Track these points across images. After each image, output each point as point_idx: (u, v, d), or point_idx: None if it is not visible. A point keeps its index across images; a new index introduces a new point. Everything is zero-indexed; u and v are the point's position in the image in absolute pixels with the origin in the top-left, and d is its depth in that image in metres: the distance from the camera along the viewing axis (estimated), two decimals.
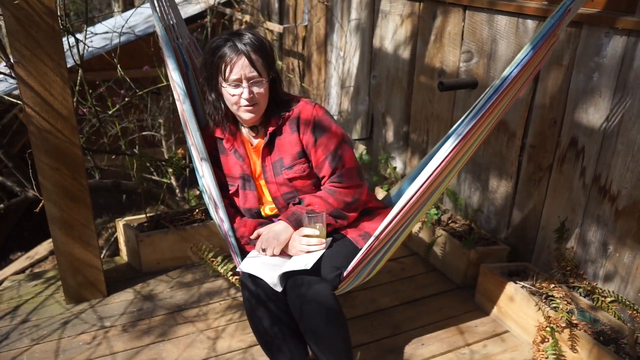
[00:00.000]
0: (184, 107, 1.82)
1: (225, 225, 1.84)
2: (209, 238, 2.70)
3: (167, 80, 3.37)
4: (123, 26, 2.92)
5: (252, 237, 1.84)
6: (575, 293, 2.15)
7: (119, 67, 2.88)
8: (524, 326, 2.17)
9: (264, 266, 1.73)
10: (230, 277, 2.53)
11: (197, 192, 4.27)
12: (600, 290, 2.11)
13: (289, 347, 1.75)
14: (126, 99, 3.19)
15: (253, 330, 1.82)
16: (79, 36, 2.72)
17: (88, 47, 2.73)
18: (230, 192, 1.88)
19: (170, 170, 3.04)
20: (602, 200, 2.09)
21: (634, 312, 1.98)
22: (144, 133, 3.79)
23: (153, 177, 3.54)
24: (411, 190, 1.62)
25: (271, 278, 1.69)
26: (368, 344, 2.19)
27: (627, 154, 1.96)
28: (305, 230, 1.75)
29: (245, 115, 1.74)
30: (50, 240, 4.89)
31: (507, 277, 2.26)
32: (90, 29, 3.12)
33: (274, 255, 1.77)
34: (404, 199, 1.63)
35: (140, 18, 4.94)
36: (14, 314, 2.33)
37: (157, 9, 1.90)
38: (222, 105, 1.78)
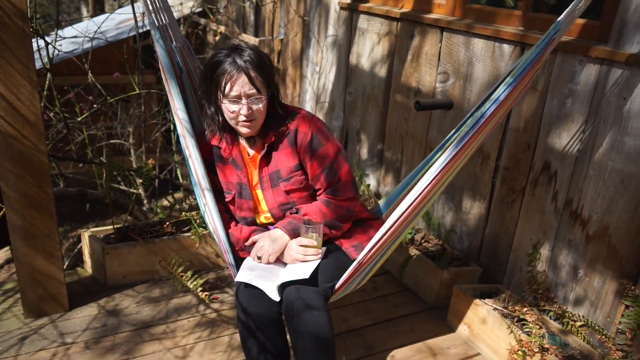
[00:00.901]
0: (178, 112, 1.82)
1: (220, 232, 1.83)
2: (178, 252, 2.62)
3: (139, 88, 3.31)
4: (96, 31, 2.84)
5: (247, 244, 1.84)
6: (545, 316, 2.17)
7: (90, 74, 2.80)
8: (495, 349, 2.18)
9: (261, 276, 1.73)
10: (200, 293, 2.48)
11: (165, 203, 4.17)
12: (570, 314, 2.13)
13: None
14: (95, 106, 3.10)
15: (245, 356, 1.84)
16: (48, 39, 2.64)
17: (59, 51, 2.64)
18: (227, 200, 1.88)
19: (139, 180, 2.95)
20: (573, 224, 2.12)
21: (603, 337, 2.01)
22: (112, 141, 3.69)
23: (120, 187, 3.43)
24: (399, 210, 1.66)
25: (268, 288, 1.69)
26: None
27: (599, 179, 2.00)
28: (303, 240, 1.77)
29: (243, 129, 1.75)
30: (6, 249, 4.71)
31: (480, 299, 2.27)
32: (59, 32, 3.02)
33: (268, 263, 1.78)
34: (392, 219, 1.67)
35: (112, 24, 4.84)
36: None
37: (150, 8, 1.89)
38: (220, 118, 1.79)
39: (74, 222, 5.14)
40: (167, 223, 2.69)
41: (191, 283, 2.50)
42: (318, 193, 1.87)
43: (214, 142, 1.85)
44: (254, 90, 1.68)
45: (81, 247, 3.05)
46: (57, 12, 2.76)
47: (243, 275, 1.74)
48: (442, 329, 2.40)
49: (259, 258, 1.79)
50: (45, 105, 2.75)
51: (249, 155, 1.86)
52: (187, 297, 2.52)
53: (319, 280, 1.73)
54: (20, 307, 2.32)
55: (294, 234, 1.79)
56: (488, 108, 1.64)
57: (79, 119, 2.91)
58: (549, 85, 2.14)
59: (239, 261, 1.86)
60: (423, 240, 2.74)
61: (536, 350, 1.95)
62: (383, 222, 1.87)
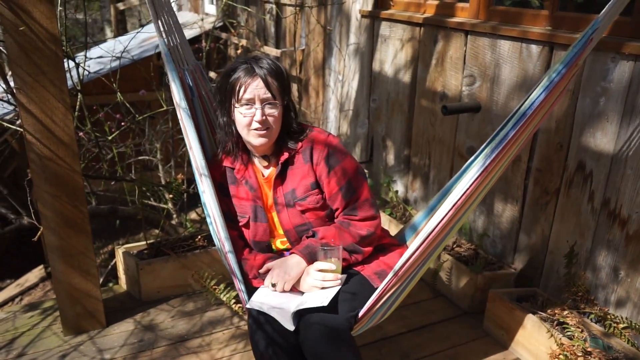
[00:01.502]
0: (189, 135, 1.74)
1: (231, 258, 1.72)
2: (210, 265, 2.64)
3: (166, 105, 3.35)
4: (123, 50, 2.90)
5: (261, 271, 1.73)
6: (586, 319, 2.12)
7: (119, 92, 2.85)
8: (535, 353, 2.13)
9: (275, 304, 1.60)
10: (233, 305, 2.49)
11: (193, 216, 4.21)
12: (612, 316, 2.08)
13: None
14: (124, 124, 3.15)
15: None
16: (77, 60, 2.70)
17: (89, 72, 2.70)
18: (241, 224, 1.79)
19: (170, 196, 2.98)
20: (612, 224, 2.08)
21: None
22: (141, 158, 3.75)
23: (150, 202, 3.48)
24: (429, 226, 1.55)
25: (282, 316, 1.56)
26: None
27: (637, 178, 1.96)
28: (321, 264, 1.64)
29: (256, 140, 1.66)
30: (41, 267, 4.81)
31: (517, 303, 2.23)
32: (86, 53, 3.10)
33: (284, 291, 1.65)
34: (422, 235, 1.56)
35: (135, 42, 4.92)
36: (10, 348, 2.25)
37: (162, 29, 1.82)
38: (234, 131, 1.71)
39: (104, 239, 5.23)
40: (199, 237, 2.71)
41: (224, 296, 2.51)
42: (336, 214, 1.76)
43: (227, 163, 1.78)
44: (269, 95, 1.62)
45: (114, 263, 3.10)
46: (85, 33, 2.82)
47: (255, 302, 1.62)
48: (478, 334, 2.36)
49: (274, 285, 1.66)
50: (76, 125, 2.81)
51: (263, 176, 1.77)
52: (220, 309, 2.54)
53: (340, 309, 1.58)
54: (59, 325, 2.36)
55: (311, 259, 1.66)
56: (523, 114, 1.53)
57: (110, 138, 2.97)
58: (580, 84, 2.10)
59: (250, 289, 1.74)
60: (455, 245, 2.71)
61: (579, 354, 1.91)
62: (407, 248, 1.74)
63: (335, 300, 1.58)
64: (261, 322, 1.62)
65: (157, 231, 3.37)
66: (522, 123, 1.54)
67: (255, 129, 1.64)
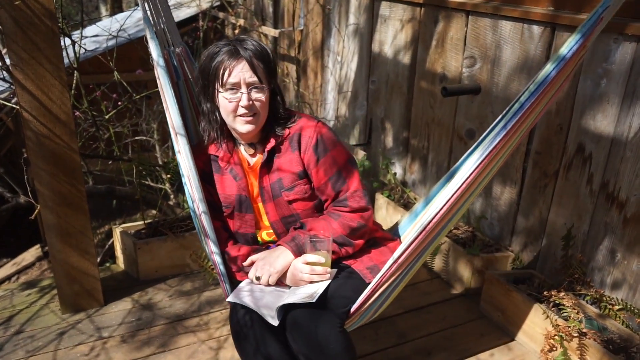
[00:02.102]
0: (173, 120, 1.62)
1: (205, 220, 1.62)
2: None
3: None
4: (119, 29, 2.86)
5: (246, 264, 1.64)
6: (582, 301, 2.14)
7: (116, 71, 2.82)
8: (530, 334, 2.15)
9: (258, 297, 1.53)
10: None
11: None
12: (608, 298, 2.10)
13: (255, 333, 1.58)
14: (121, 104, 3.13)
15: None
16: (74, 39, 2.66)
17: (85, 49, 2.67)
18: (225, 214, 1.70)
19: (167, 176, 2.97)
20: (610, 207, 2.08)
21: None
22: (137, 138, 3.72)
23: (147, 183, 3.47)
24: (427, 217, 1.50)
25: (267, 309, 1.48)
26: (373, 353, 2.15)
27: (636, 161, 1.95)
28: (309, 257, 1.54)
29: (242, 127, 1.57)
30: (37, 246, 4.81)
31: (513, 285, 2.24)
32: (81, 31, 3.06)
33: (269, 285, 1.57)
34: (419, 227, 1.50)
35: (130, 21, 4.87)
36: (8, 325, 2.26)
37: (148, 11, 1.72)
38: (218, 118, 1.62)
39: (101, 219, 5.22)
40: None
41: None
42: (325, 205, 1.69)
43: (212, 150, 1.70)
44: (255, 79, 1.53)
45: (112, 243, 3.09)
46: (81, 11, 2.78)
47: (236, 296, 1.55)
48: (475, 315, 2.38)
49: (258, 279, 1.57)
50: (73, 104, 2.78)
51: (249, 164, 1.69)
52: (218, 289, 2.54)
53: (330, 305, 1.50)
54: (57, 303, 2.36)
55: (299, 251, 1.57)
56: (527, 98, 1.47)
57: (107, 117, 2.94)
58: (582, 66, 2.09)
59: (233, 281, 1.68)
60: (453, 228, 2.71)
61: (574, 334, 1.93)
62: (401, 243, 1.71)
63: (324, 295, 1.50)
64: (247, 325, 1.55)
65: (154, 212, 3.37)
66: (532, 101, 1.47)
67: (241, 115, 1.56)
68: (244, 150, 1.70)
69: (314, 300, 1.45)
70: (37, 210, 2.21)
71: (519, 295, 2.18)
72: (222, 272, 1.67)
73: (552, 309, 2.08)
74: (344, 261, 1.66)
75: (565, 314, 2.02)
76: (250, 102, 1.54)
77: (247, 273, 1.63)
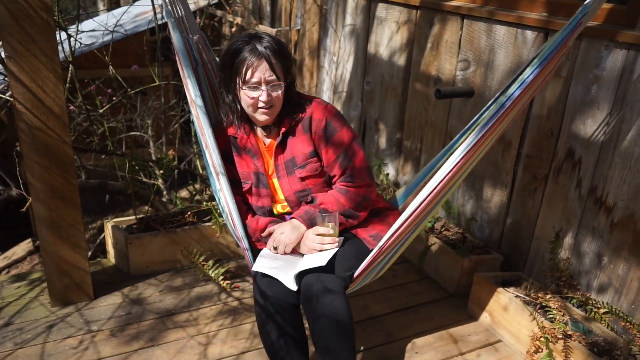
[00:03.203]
0: (195, 99, 1.82)
1: (235, 218, 1.83)
2: (199, 241, 2.65)
3: (158, 80, 3.33)
4: (115, 24, 2.86)
5: (264, 234, 1.85)
6: (568, 304, 2.16)
7: (111, 66, 2.82)
8: (517, 336, 2.17)
9: (278, 266, 1.74)
10: (222, 282, 2.51)
11: (184, 195, 4.20)
12: (594, 302, 2.12)
13: (292, 358, 1.79)
14: (115, 99, 3.13)
15: (262, 341, 1.84)
16: (70, 32, 2.66)
17: (81, 43, 2.67)
18: (244, 189, 1.90)
19: (160, 171, 2.98)
20: (597, 211, 2.10)
21: (627, 323, 2.00)
22: (132, 133, 3.72)
23: (140, 178, 3.47)
24: (419, 198, 1.66)
25: (285, 279, 1.70)
26: (361, 351, 2.17)
27: (624, 167, 1.98)
28: (319, 229, 1.77)
29: (261, 117, 1.76)
30: (29, 240, 4.79)
31: (501, 286, 2.26)
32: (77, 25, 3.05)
33: (285, 253, 1.79)
34: (412, 207, 1.66)
35: (129, 17, 4.87)
36: None
37: (167, 1, 1.90)
38: (238, 107, 1.80)
39: (94, 214, 5.21)
40: (189, 213, 2.72)
41: (212, 272, 2.53)
42: (333, 180, 1.87)
43: (231, 132, 1.87)
44: (274, 77, 1.70)
45: (103, 237, 3.09)
46: (78, 5, 2.78)
47: (260, 265, 1.75)
48: (463, 316, 2.40)
49: (276, 248, 1.80)
50: (67, 98, 2.79)
51: (264, 144, 1.88)
52: (208, 285, 2.55)
53: (337, 269, 1.73)
54: (46, 296, 2.36)
55: (311, 223, 1.79)
56: (513, 92, 1.62)
57: (100, 111, 2.94)
58: (573, 72, 2.11)
59: (255, 252, 1.88)
60: (443, 229, 2.73)
61: (559, 336, 1.95)
62: (400, 213, 1.88)
63: (332, 261, 1.72)
64: (271, 312, 1.72)
65: (147, 208, 3.37)
66: (509, 104, 1.61)
67: (261, 108, 1.74)
68: (260, 132, 1.88)
69: (324, 264, 1.67)
70: (28, 203, 2.21)
71: (506, 296, 2.20)
72: (245, 244, 1.86)
73: (539, 311, 2.11)
74: (350, 230, 1.87)
75: (551, 316, 2.04)
76: (269, 98, 1.72)
77: (265, 242, 1.85)
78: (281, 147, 1.84)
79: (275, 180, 1.88)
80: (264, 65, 1.68)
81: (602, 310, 2.08)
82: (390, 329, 2.31)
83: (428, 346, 2.22)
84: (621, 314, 2.04)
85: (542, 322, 2.03)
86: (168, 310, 2.36)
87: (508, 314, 2.20)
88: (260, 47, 1.68)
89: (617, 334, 2.02)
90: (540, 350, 2.02)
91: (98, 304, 2.37)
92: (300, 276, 1.72)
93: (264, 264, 1.76)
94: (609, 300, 2.12)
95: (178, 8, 1.96)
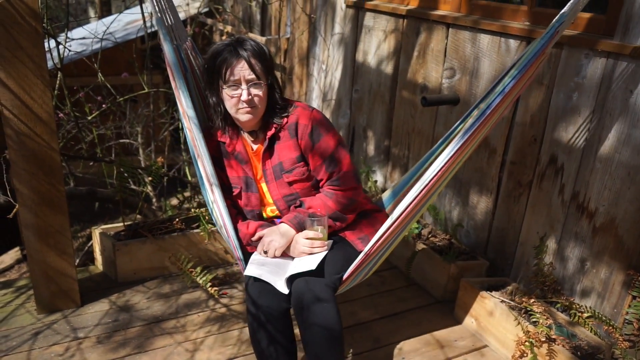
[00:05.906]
0: (186, 109, 1.84)
1: (229, 228, 1.86)
2: (188, 248, 2.65)
3: (148, 87, 3.34)
4: (105, 32, 2.88)
5: (254, 238, 1.87)
6: (553, 308, 2.18)
7: (100, 74, 2.83)
8: (502, 340, 2.19)
9: (269, 270, 1.77)
10: (209, 288, 2.51)
11: (173, 202, 4.20)
12: (577, 306, 2.15)
13: None
14: (105, 106, 3.14)
15: (253, 348, 1.86)
16: (59, 40, 2.68)
17: (70, 50, 2.68)
18: (234, 194, 1.93)
19: (149, 179, 2.98)
20: (580, 217, 2.14)
21: (610, 327, 2.02)
22: (121, 141, 3.73)
23: (129, 186, 3.47)
24: (404, 202, 1.69)
25: (277, 282, 1.72)
26: (349, 357, 2.18)
27: (605, 172, 2.02)
28: (309, 233, 1.80)
29: (243, 117, 1.78)
30: (17, 249, 4.75)
31: (487, 292, 2.28)
32: (67, 34, 3.06)
33: (275, 257, 1.81)
34: (399, 210, 1.70)
35: (119, 25, 4.89)
36: None
37: (157, 8, 1.92)
38: (222, 109, 1.83)
39: (83, 222, 5.18)
40: (177, 220, 2.72)
41: (200, 279, 2.53)
42: (320, 184, 1.90)
43: (219, 138, 1.90)
44: (253, 76, 1.73)
45: (91, 245, 3.08)
46: (67, 13, 2.79)
47: (252, 270, 1.76)
48: (449, 322, 2.42)
49: (266, 252, 1.82)
50: (55, 105, 2.79)
51: (252, 149, 1.91)
52: (196, 292, 2.55)
53: (327, 272, 1.76)
54: (33, 304, 2.35)
55: (300, 227, 1.82)
56: (493, 100, 1.66)
57: (89, 118, 2.95)
58: (555, 80, 2.15)
59: (247, 256, 1.90)
60: (430, 235, 2.75)
61: (543, 340, 1.97)
62: (387, 215, 1.93)
63: (322, 264, 1.75)
64: (262, 320, 1.74)
65: (136, 215, 3.37)
66: (490, 111, 1.65)
67: (242, 107, 1.76)
68: (247, 137, 1.91)
69: (314, 268, 1.70)
70: (15, 209, 2.21)
71: (492, 302, 2.22)
72: (237, 247, 1.87)
73: (523, 316, 2.13)
74: (338, 233, 1.91)
75: (535, 320, 2.06)
76: (250, 97, 1.74)
77: (255, 246, 1.88)
78: (269, 152, 1.86)
79: (263, 185, 1.91)
80: (243, 64, 1.72)
81: (585, 315, 2.11)
82: (377, 334, 2.32)
83: (415, 352, 2.23)
84: (604, 318, 2.06)
85: (526, 326, 2.05)
86: (155, 317, 2.36)
87: (494, 319, 2.22)
88: (239, 48, 1.73)
89: (600, 338, 2.05)
90: (525, 354, 2.04)
91: (85, 311, 2.37)
92: (291, 279, 1.74)
93: (255, 269, 1.77)
94: (592, 305, 2.15)
95: (168, 16, 1.99)
